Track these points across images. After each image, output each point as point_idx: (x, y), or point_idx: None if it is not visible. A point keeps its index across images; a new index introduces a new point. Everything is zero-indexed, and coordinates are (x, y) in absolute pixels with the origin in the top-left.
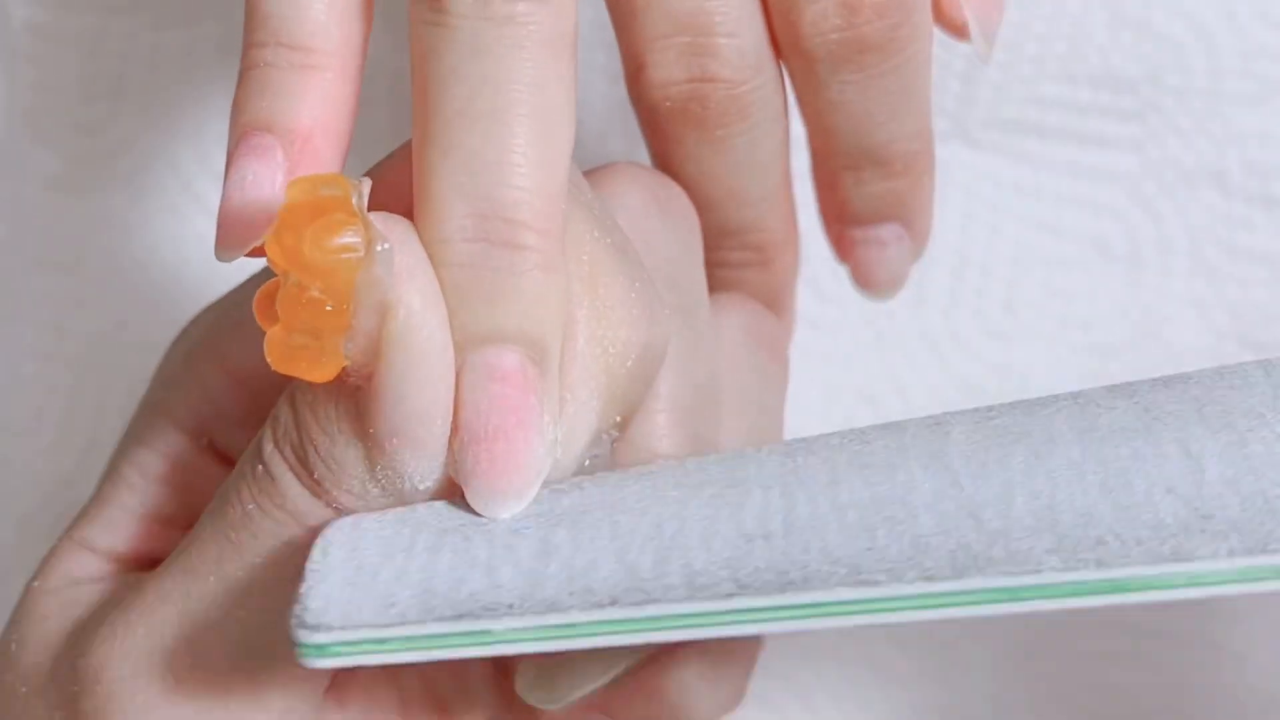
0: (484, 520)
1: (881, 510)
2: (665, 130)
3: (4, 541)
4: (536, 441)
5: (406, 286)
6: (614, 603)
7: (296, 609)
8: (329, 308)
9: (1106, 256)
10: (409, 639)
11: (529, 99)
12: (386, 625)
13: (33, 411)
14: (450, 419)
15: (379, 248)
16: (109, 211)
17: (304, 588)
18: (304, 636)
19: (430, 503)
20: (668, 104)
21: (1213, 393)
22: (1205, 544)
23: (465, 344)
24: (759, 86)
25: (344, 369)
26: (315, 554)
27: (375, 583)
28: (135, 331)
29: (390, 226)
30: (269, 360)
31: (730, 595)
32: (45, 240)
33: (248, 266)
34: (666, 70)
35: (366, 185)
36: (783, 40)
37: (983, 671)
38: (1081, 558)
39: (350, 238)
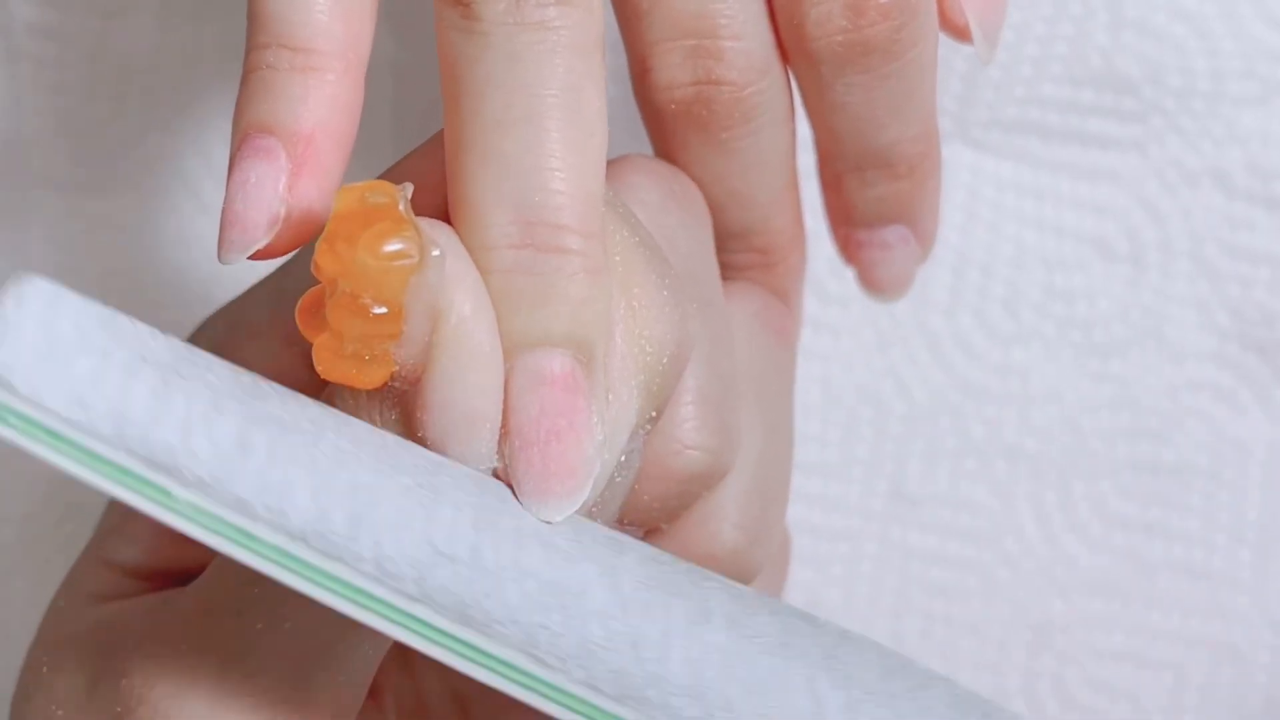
0: (184, 370)
1: (559, 595)
2: (670, 132)
3: (4, 541)
4: (587, 442)
5: (457, 292)
6: (304, 540)
7: None
8: (380, 314)
9: (1108, 257)
10: (89, 453)
11: (564, 103)
12: (73, 425)
13: None
14: (499, 423)
15: (431, 254)
16: (111, 212)
17: None
18: None
19: (132, 320)
20: (673, 106)
21: (838, 650)
22: None
23: (514, 348)
24: (764, 89)
25: (391, 374)
26: (7, 300)
27: (68, 371)
28: None
29: (437, 233)
30: (317, 368)
31: (414, 600)
32: (47, 241)
33: (250, 264)
34: (671, 73)
35: (409, 190)
36: (788, 43)
37: (983, 669)
38: None
39: (402, 244)
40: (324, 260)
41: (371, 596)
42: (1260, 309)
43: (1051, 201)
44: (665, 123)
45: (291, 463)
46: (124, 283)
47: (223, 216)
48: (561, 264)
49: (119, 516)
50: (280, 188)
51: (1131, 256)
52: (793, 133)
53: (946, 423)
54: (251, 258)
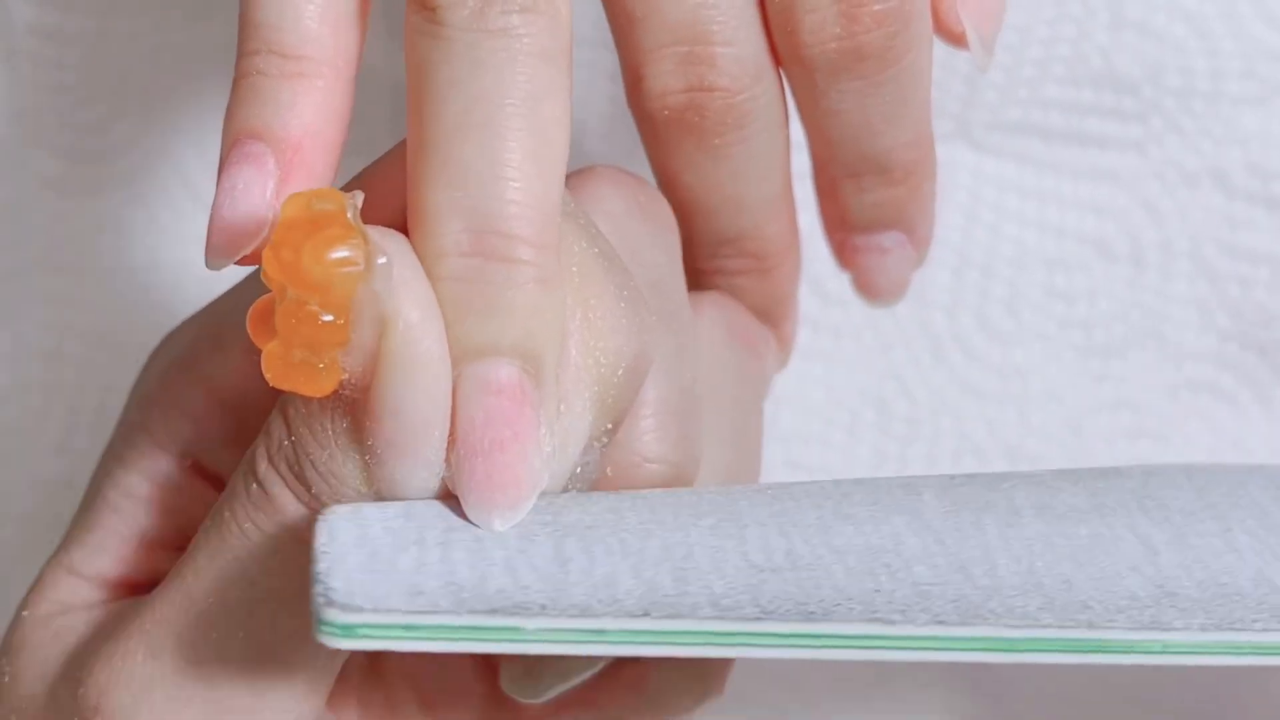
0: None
1: (878, 558)
2: (664, 139)
3: (5, 541)
4: (533, 454)
5: (404, 300)
6: (645, 614)
7: (319, 588)
8: (328, 322)
9: (1108, 257)
10: (441, 628)
11: (524, 112)
12: (417, 612)
13: (35, 412)
14: (448, 431)
15: (378, 261)
16: (111, 212)
17: (320, 567)
18: (333, 615)
19: (428, 501)
20: (666, 113)
21: (1147, 488)
22: (1178, 617)
23: (462, 357)
24: (757, 96)
25: (340, 382)
26: (322, 537)
27: (395, 571)
28: (137, 332)
29: (386, 240)
30: (266, 376)
31: (757, 619)
32: (47, 241)
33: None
34: (664, 80)
35: (359, 198)
36: (782, 49)
37: (987, 671)
38: (1073, 618)
39: (348, 252)
40: (270, 267)
41: (722, 634)
42: (1260, 309)
43: (1052, 202)
44: (658, 129)
45: (607, 555)
46: (124, 282)
47: (210, 222)
48: (511, 274)
49: (85, 527)
50: (268, 193)
51: (1132, 257)
52: (786, 138)
53: (947, 424)
54: (238, 263)
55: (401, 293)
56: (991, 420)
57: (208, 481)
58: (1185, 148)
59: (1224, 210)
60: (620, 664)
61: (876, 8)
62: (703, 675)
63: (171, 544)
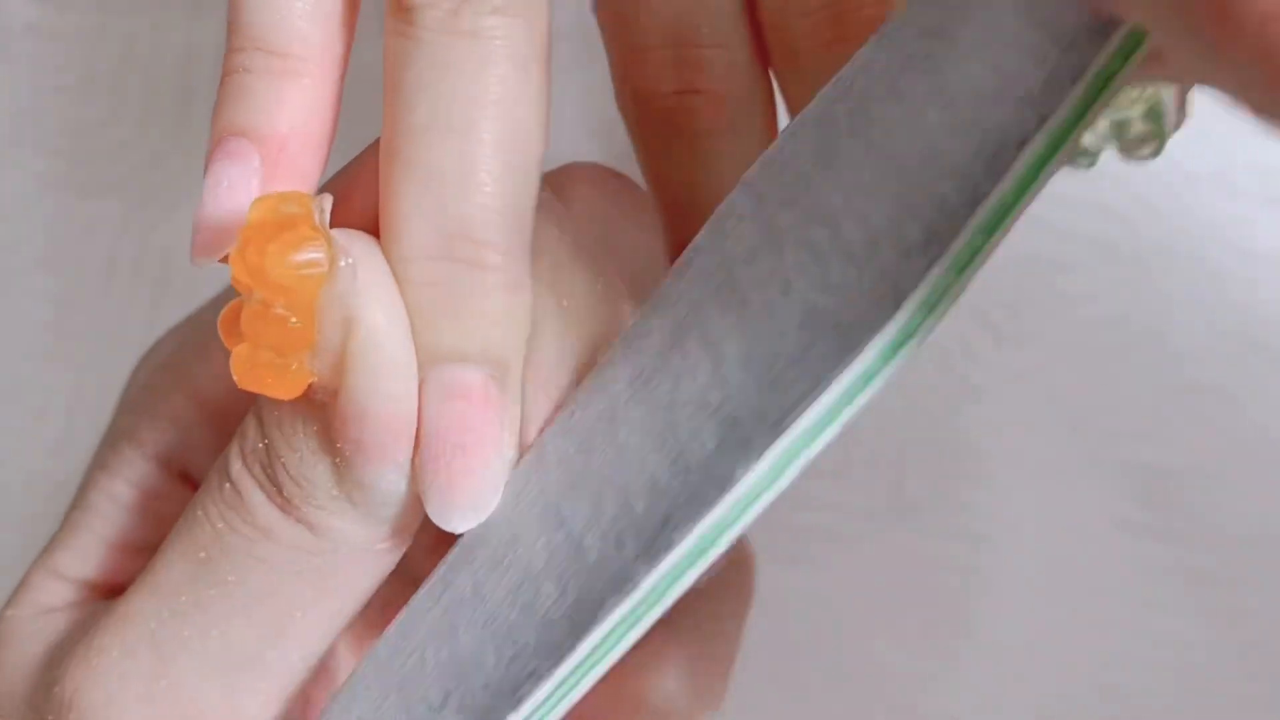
0: None
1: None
2: (653, 139)
3: (6, 541)
4: (495, 458)
5: (369, 303)
6: None
7: None
8: (293, 324)
9: (1110, 257)
10: None
11: (496, 115)
12: None
13: (34, 412)
14: (414, 434)
15: (341, 263)
16: (109, 212)
17: None
18: None
19: None
20: (654, 114)
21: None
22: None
23: (428, 361)
24: (745, 96)
25: (310, 385)
26: None
27: None
28: (135, 333)
29: (353, 243)
30: (235, 378)
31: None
32: (45, 240)
33: None
34: (653, 81)
35: (328, 201)
36: (773, 50)
37: (984, 672)
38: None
39: (313, 254)
40: (236, 269)
41: None
42: (1262, 310)
43: (1053, 202)
44: (648, 130)
45: None
46: (123, 282)
47: (195, 219)
48: (479, 279)
49: (70, 530)
50: (253, 190)
51: (1133, 257)
52: (776, 138)
53: (947, 424)
54: (222, 260)
55: (366, 296)
56: (991, 421)
57: (192, 488)
58: (1186, 147)
59: (1226, 210)
60: (620, 680)
61: (867, 11)
62: (703, 684)
63: (155, 549)
